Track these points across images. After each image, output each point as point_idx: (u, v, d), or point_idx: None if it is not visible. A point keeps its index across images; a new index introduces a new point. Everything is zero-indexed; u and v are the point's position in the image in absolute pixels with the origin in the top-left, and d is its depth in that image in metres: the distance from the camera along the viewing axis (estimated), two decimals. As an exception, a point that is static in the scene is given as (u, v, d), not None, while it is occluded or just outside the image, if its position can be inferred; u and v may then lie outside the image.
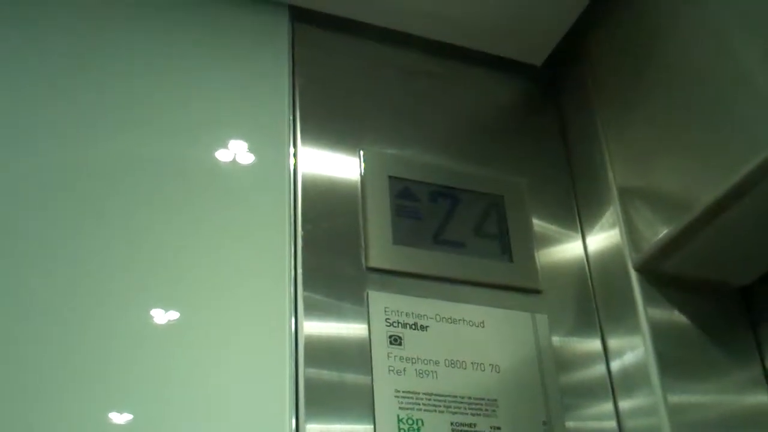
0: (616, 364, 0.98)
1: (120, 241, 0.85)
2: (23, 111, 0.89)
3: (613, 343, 0.99)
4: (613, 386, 0.97)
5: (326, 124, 1.01)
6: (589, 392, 0.96)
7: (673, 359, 0.94)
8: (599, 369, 0.98)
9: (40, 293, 0.80)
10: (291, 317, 0.87)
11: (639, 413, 0.93)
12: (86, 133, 0.90)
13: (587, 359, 0.99)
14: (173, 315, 0.83)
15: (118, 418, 0.77)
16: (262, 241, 0.91)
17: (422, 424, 0.85)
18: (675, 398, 0.91)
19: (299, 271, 0.89)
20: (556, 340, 0.97)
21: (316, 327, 0.87)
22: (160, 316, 0.83)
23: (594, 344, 1.00)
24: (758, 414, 0.95)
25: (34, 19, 0.95)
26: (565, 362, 0.96)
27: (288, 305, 0.87)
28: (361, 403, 0.85)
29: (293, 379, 0.83)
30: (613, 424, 0.95)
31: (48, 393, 0.76)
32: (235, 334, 0.84)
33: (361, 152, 1.00)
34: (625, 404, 0.96)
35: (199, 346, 0.82)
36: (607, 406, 0.96)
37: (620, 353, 0.97)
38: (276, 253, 0.90)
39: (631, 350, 0.96)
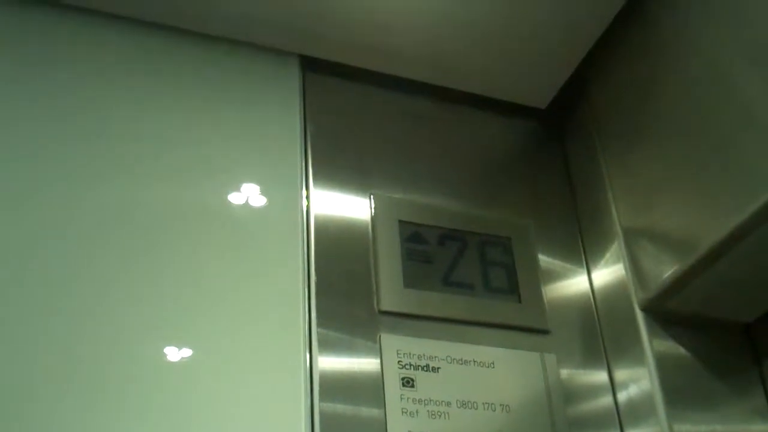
0: (622, 396, 0.99)
1: (133, 282, 0.87)
2: (34, 153, 0.92)
3: (620, 375, 1.01)
4: (620, 417, 0.99)
5: (337, 169, 1.04)
6: (596, 424, 0.98)
7: (679, 390, 0.95)
8: (606, 400, 1.00)
9: (52, 332, 0.82)
10: (306, 355, 0.88)
11: None
12: (98, 177, 0.93)
13: (594, 392, 1.00)
14: (186, 352, 0.85)
15: None
16: (276, 282, 0.93)
17: (435, 466, 0.87)
18: (681, 428, 0.93)
19: (313, 314, 0.92)
20: (564, 373, 0.99)
21: (329, 364, 0.89)
22: (174, 354, 0.84)
23: (601, 376, 1.02)
24: (763, 443, 0.97)
25: (43, 62, 0.98)
26: (572, 395, 0.98)
27: (303, 346, 0.89)
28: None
29: (309, 415, 0.85)
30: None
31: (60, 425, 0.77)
32: (250, 373, 0.86)
33: (372, 197, 1.03)
34: None
35: (213, 383, 0.84)
36: None
37: (626, 385, 0.99)
38: (290, 295, 0.92)
39: (637, 382, 0.97)
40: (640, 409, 0.97)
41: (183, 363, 0.84)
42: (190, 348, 0.85)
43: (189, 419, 0.82)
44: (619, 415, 0.99)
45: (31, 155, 0.92)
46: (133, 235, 0.90)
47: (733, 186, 0.88)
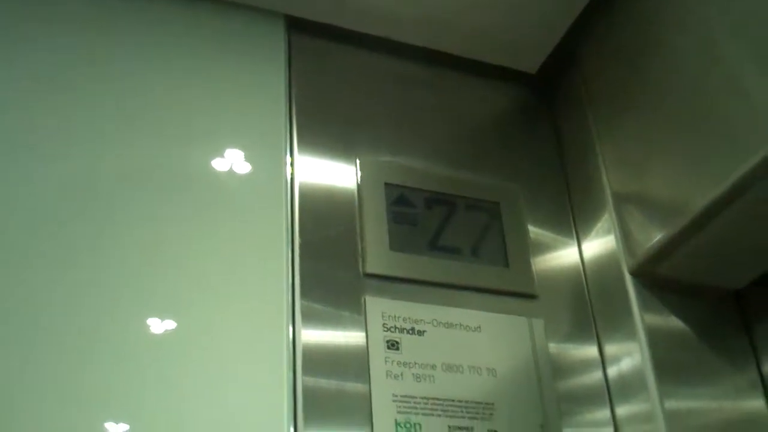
0: (612, 370, 0.98)
1: (115, 250, 0.86)
2: (18, 122, 0.90)
3: (610, 349, 1.00)
4: (610, 392, 0.98)
5: (323, 132, 1.02)
6: (586, 399, 0.97)
7: (670, 365, 0.94)
8: (596, 375, 0.99)
9: (34, 302, 0.80)
10: (289, 325, 0.87)
11: (636, 419, 0.94)
12: (81, 145, 0.91)
13: (584, 366, 0.99)
14: (170, 324, 0.83)
15: (114, 427, 0.76)
16: (260, 248, 0.91)
17: (420, 429, 0.86)
18: (672, 404, 0.92)
19: (297, 277, 0.90)
20: (552, 347, 0.98)
21: (313, 335, 0.88)
22: (157, 325, 0.83)
23: (591, 350, 1.00)
24: (755, 419, 0.96)
25: (28, 32, 0.96)
26: (562, 369, 0.97)
27: (286, 313, 0.88)
28: (359, 408, 0.85)
29: (291, 387, 0.84)
30: (610, 430, 0.95)
31: (42, 403, 0.76)
32: (233, 342, 0.85)
33: (358, 160, 1.01)
34: (622, 410, 0.96)
35: (196, 355, 0.83)
36: (604, 413, 0.97)
37: (617, 359, 0.98)
38: (274, 261, 0.91)
39: (628, 356, 0.96)
40: (630, 385, 0.96)
41: (165, 335, 0.83)
42: (172, 319, 0.84)
43: (168, 395, 0.80)
44: (609, 390, 0.98)
45: (9, 124, 0.89)
46: (113, 203, 0.88)
47: (720, 151, 0.87)
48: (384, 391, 0.86)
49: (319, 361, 0.86)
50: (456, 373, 0.90)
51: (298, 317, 0.88)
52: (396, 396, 0.86)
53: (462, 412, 0.88)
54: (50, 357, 0.78)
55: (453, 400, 0.89)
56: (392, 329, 0.90)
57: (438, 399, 0.88)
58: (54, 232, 0.85)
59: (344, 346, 0.89)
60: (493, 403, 0.90)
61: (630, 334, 0.96)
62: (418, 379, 0.88)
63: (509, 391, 0.92)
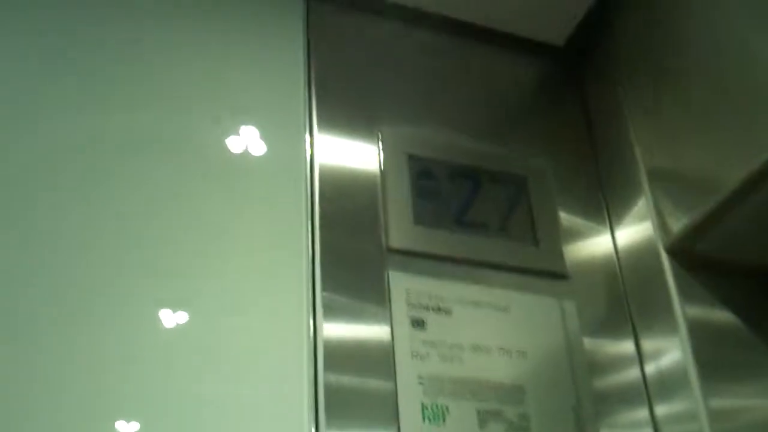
0: (651, 366, 0.93)
1: (126, 237, 0.81)
2: (30, 92, 0.86)
3: (648, 342, 0.94)
4: (649, 391, 0.92)
5: (343, 104, 0.98)
6: (623, 397, 0.91)
7: (713, 359, 0.88)
8: (633, 371, 0.93)
9: (41, 294, 0.75)
10: (309, 312, 0.82)
11: (677, 419, 0.88)
12: (92, 126, 0.86)
13: (620, 361, 0.93)
14: (182, 316, 0.79)
15: (126, 427, 0.72)
16: (279, 233, 0.86)
17: (447, 411, 0.81)
18: (716, 402, 0.86)
19: (317, 256, 0.85)
20: (586, 342, 0.92)
21: (335, 319, 0.83)
22: (169, 318, 0.78)
23: (627, 345, 0.95)
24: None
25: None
26: (596, 364, 0.91)
27: (306, 296, 0.83)
28: (383, 391, 0.80)
29: (312, 379, 0.79)
30: (649, 431, 0.90)
31: (53, 398, 0.71)
32: (251, 330, 0.80)
33: (380, 132, 0.96)
34: (661, 409, 0.90)
35: (211, 350, 0.78)
36: (643, 413, 0.91)
37: (656, 354, 0.92)
38: (293, 242, 0.86)
39: (668, 350, 0.91)
40: (670, 382, 0.90)
41: (177, 329, 0.78)
42: (185, 311, 0.79)
43: (181, 393, 0.75)
44: (648, 388, 0.92)
45: (20, 93, 0.85)
46: (127, 184, 0.84)
47: (757, 125, 0.83)
48: (409, 373, 0.81)
49: (341, 345, 0.81)
50: (484, 354, 0.86)
51: (319, 302, 0.83)
52: (422, 377, 0.82)
53: (491, 394, 0.83)
54: (56, 351, 0.74)
55: (481, 383, 0.84)
56: (417, 307, 0.86)
57: (466, 381, 0.83)
58: (65, 219, 0.80)
59: (366, 331, 0.84)
60: (523, 386, 0.85)
61: (669, 326, 0.91)
62: (445, 360, 0.83)
63: (540, 374, 0.87)
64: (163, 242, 0.82)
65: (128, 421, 0.72)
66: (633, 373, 0.93)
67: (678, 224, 0.92)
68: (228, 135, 0.90)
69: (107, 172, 0.84)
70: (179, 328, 0.78)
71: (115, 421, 0.72)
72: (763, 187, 0.84)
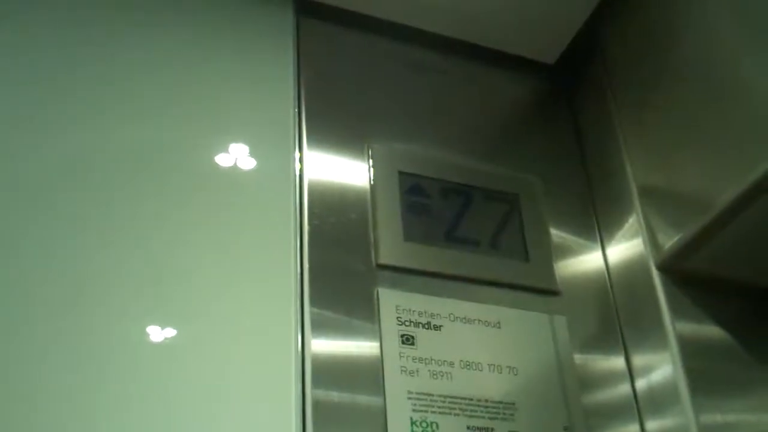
0: (641, 382, 0.92)
1: (112, 250, 0.80)
2: (20, 108, 0.85)
3: (638, 357, 0.93)
4: (639, 406, 0.91)
5: (334, 120, 0.97)
6: (614, 413, 0.90)
7: (704, 374, 0.88)
8: (624, 387, 0.93)
9: (27, 307, 0.75)
10: (298, 328, 0.81)
11: None
12: (82, 137, 0.85)
13: (610, 376, 0.93)
14: (169, 332, 0.78)
15: None
16: (266, 249, 0.85)
17: (437, 428, 0.80)
18: (707, 417, 0.85)
19: (306, 271, 0.85)
20: (577, 357, 0.92)
21: (323, 334, 0.82)
22: (156, 334, 0.77)
23: (617, 360, 0.94)
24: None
25: (34, 15, 0.92)
26: (586, 379, 0.91)
27: (294, 313, 0.82)
28: (372, 407, 0.79)
29: (300, 392, 0.78)
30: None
31: (37, 413, 0.70)
32: (239, 345, 0.79)
33: (370, 149, 0.96)
34: (652, 425, 0.89)
35: (197, 365, 0.77)
36: (634, 429, 0.90)
37: (646, 369, 0.92)
38: (281, 259, 0.85)
39: (658, 365, 0.90)
40: (661, 396, 0.89)
41: (164, 344, 0.77)
42: (171, 326, 0.78)
43: (168, 408, 0.74)
44: (638, 403, 0.91)
45: (12, 109, 0.84)
46: (115, 199, 0.83)
47: (747, 143, 0.83)
48: (399, 389, 0.81)
49: (330, 361, 0.81)
50: (475, 370, 0.85)
51: (308, 317, 0.82)
52: (411, 393, 0.81)
53: (481, 411, 0.83)
54: (45, 362, 0.73)
55: (472, 399, 0.83)
56: (407, 323, 0.85)
57: (456, 397, 0.82)
58: (50, 229, 0.79)
59: (356, 347, 0.83)
60: (514, 403, 0.85)
61: (660, 342, 0.90)
62: (435, 376, 0.83)
63: (531, 391, 0.86)
64: (151, 257, 0.81)
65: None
66: (624, 389, 0.93)
67: (669, 241, 0.92)
68: (217, 151, 0.90)
69: (96, 187, 0.83)
70: (167, 342, 0.77)
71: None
72: (754, 204, 0.84)
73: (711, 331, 0.92)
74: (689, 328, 0.91)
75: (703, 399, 0.86)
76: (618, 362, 0.94)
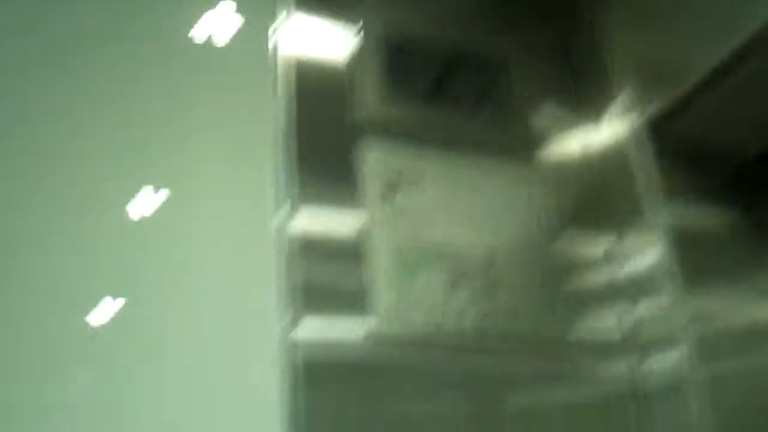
0: (628, 265, 0.91)
1: (86, 122, 0.80)
2: None
3: (624, 240, 0.92)
4: (624, 291, 0.90)
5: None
6: (596, 297, 0.90)
7: (692, 258, 0.86)
8: (608, 271, 0.91)
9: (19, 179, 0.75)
10: (279, 193, 0.81)
11: (655, 321, 0.87)
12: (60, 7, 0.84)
13: (594, 260, 0.92)
14: (160, 196, 0.78)
15: (112, 303, 0.72)
16: (246, 109, 0.86)
17: (421, 277, 0.80)
18: (695, 303, 0.85)
19: (284, 131, 0.83)
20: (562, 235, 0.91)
21: (307, 204, 0.81)
22: (149, 197, 0.78)
23: (601, 241, 0.93)
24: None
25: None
26: (568, 265, 0.90)
27: (275, 170, 0.81)
28: (358, 261, 0.80)
29: (285, 253, 0.77)
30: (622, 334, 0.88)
31: (35, 282, 0.72)
32: (219, 216, 0.80)
33: (353, 13, 0.94)
34: (637, 312, 0.89)
35: (185, 237, 0.78)
36: (619, 312, 0.90)
37: (633, 252, 0.91)
38: (260, 118, 0.85)
39: (645, 249, 0.89)
40: (647, 280, 0.88)
41: (154, 214, 0.77)
42: (164, 187, 0.78)
43: (145, 281, 0.75)
44: (623, 289, 0.90)
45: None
46: (88, 68, 0.81)
47: (732, 8, 0.83)
48: (381, 243, 0.80)
49: (312, 222, 0.80)
50: (456, 225, 0.84)
51: (292, 182, 0.81)
52: (393, 245, 0.81)
53: (463, 263, 0.82)
54: (33, 232, 0.74)
55: (453, 252, 0.83)
56: (389, 180, 0.84)
57: (438, 250, 0.82)
58: (28, 107, 0.79)
59: (338, 204, 0.82)
60: (494, 256, 0.84)
61: (647, 223, 0.89)
62: (417, 230, 0.83)
63: (510, 244, 0.86)
64: (137, 124, 0.81)
65: (114, 298, 0.73)
66: (608, 272, 0.91)
67: (659, 103, 0.91)
68: (197, 18, 0.88)
69: (75, 63, 0.82)
70: (159, 211, 0.77)
71: (101, 297, 0.72)
72: (737, 70, 0.84)
73: (699, 212, 0.92)
74: (678, 208, 0.90)
75: (691, 283, 0.85)
76: (603, 241, 0.93)
